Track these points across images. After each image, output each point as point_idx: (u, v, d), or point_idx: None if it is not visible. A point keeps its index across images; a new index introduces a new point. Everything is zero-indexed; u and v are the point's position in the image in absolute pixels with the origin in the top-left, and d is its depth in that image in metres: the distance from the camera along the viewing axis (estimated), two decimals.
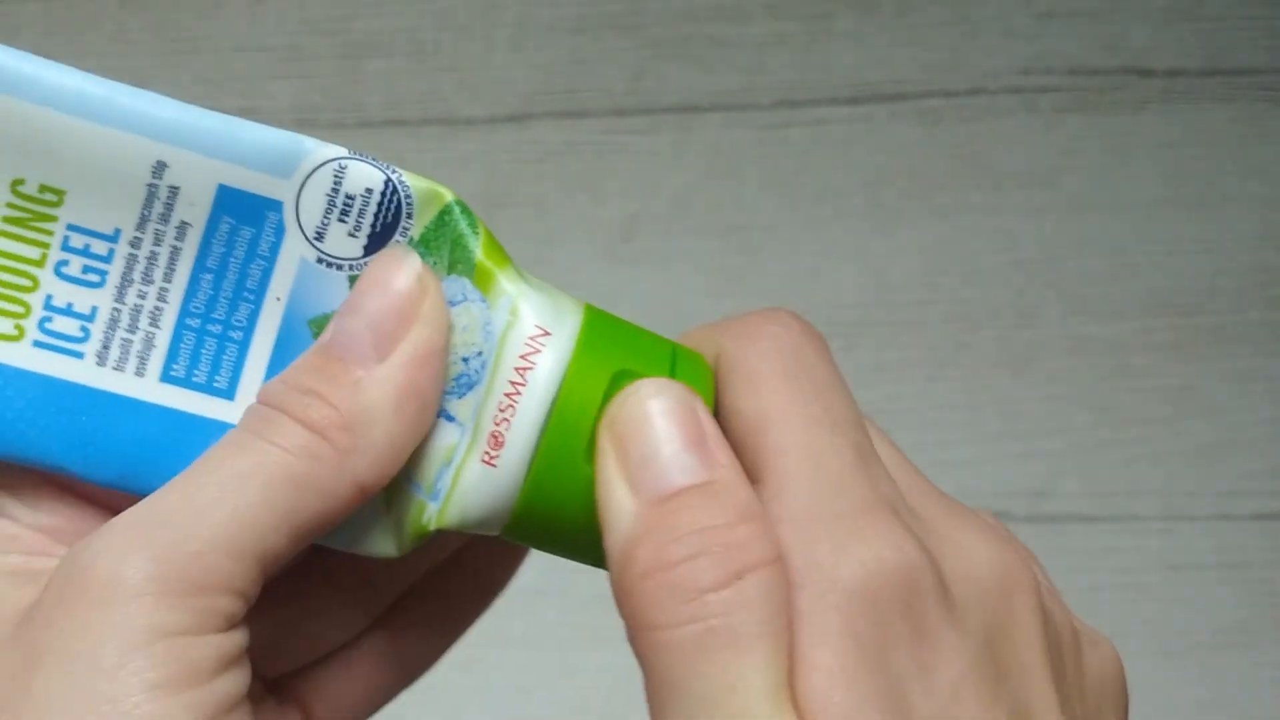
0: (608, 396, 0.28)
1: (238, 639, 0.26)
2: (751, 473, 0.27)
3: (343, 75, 0.74)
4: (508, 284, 0.29)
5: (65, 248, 0.28)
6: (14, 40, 0.74)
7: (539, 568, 0.61)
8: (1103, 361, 0.72)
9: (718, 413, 0.28)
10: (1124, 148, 0.74)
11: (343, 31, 0.75)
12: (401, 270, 0.28)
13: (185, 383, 0.29)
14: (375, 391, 0.27)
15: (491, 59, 0.75)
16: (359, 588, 0.33)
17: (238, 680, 0.26)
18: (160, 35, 0.75)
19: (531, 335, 0.28)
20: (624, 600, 0.26)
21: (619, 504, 0.26)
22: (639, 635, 0.25)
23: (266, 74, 0.74)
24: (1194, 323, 0.72)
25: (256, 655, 0.28)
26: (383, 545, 0.29)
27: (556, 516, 0.28)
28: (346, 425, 0.27)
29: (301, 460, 0.27)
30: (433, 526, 0.28)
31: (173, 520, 0.26)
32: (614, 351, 0.29)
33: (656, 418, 0.27)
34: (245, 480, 0.26)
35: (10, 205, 0.28)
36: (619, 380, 0.28)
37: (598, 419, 0.28)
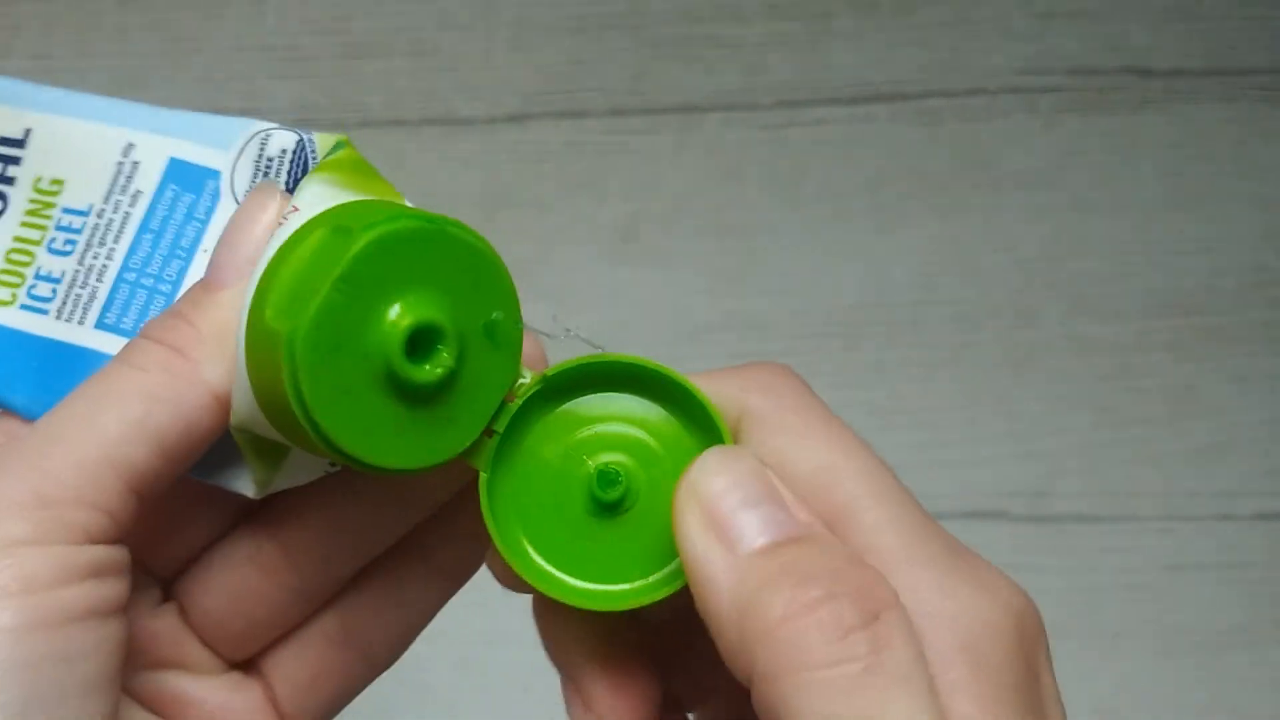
0: (316, 246, 0.28)
1: (97, 553, 0.27)
2: (827, 524, 0.28)
3: (343, 75, 0.74)
4: (311, 185, 0.30)
5: (58, 227, 0.33)
6: (14, 40, 0.74)
7: None
8: (1103, 361, 0.72)
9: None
10: (1124, 148, 0.74)
11: (343, 32, 0.75)
12: (261, 201, 0.30)
13: (114, 329, 0.32)
14: (230, 307, 0.29)
15: (492, 59, 0.75)
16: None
17: (91, 593, 0.27)
18: (160, 35, 0.75)
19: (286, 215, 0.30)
20: (756, 647, 0.26)
21: (718, 559, 0.27)
22: (782, 679, 0.26)
23: (267, 74, 0.75)
24: (1194, 323, 0.72)
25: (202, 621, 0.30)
26: (241, 481, 0.30)
27: (260, 382, 0.28)
28: (203, 340, 0.29)
29: (156, 374, 0.28)
30: (232, 423, 0.29)
31: (32, 441, 0.28)
32: (340, 216, 0.29)
33: (738, 475, 0.28)
34: (101, 399, 0.28)
35: (31, 200, 0.33)
36: (334, 233, 0.28)
37: (295, 267, 0.28)
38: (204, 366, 0.29)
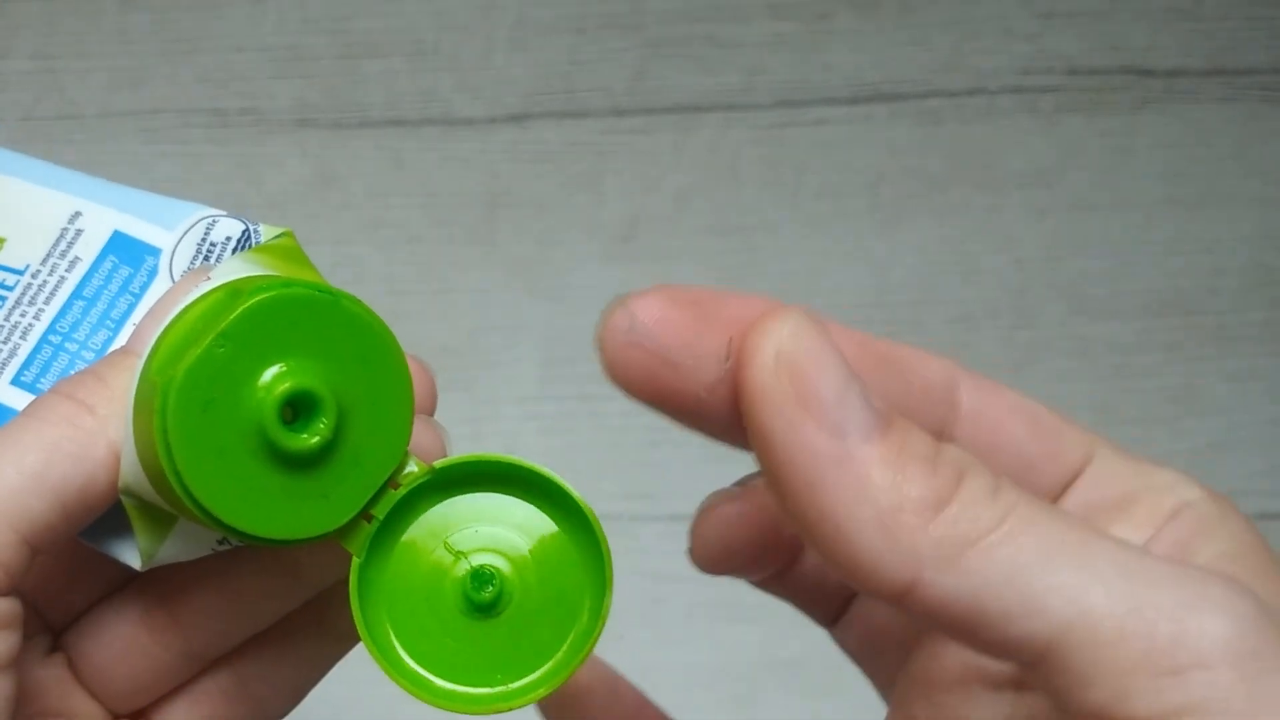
0: (207, 305, 0.28)
1: None
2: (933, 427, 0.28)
3: (343, 75, 0.75)
4: (232, 260, 0.30)
5: None
6: (14, 40, 0.74)
7: None
8: (1103, 361, 0.72)
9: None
10: (1125, 147, 0.74)
11: (343, 31, 0.75)
12: (193, 277, 0.30)
13: (29, 387, 0.31)
14: (139, 363, 0.29)
15: (491, 59, 0.75)
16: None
17: None
18: (160, 35, 0.75)
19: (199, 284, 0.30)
20: (921, 546, 0.25)
21: (831, 452, 0.25)
22: (964, 554, 0.24)
23: (267, 74, 0.75)
24: (1195, 323, 0.72)
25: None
26: (127, 551, 0.30)
27: (141, 437, 0.28)
28: (114, 398, 0.28)
29: (60, 427, 0.28)
30: (119, 485, 0.29)
31: None
32: (241, 282, 0.29)
33: (827, 351, 0.26)
34: (2, 452, 0.28)
35: None
36: (231, 292, 0.28)
37: (185, 324, 0.28)
38: (110, 424, 0.28)
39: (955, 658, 0.29)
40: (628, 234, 0.73)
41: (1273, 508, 0.70)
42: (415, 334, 0.73)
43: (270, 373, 0.27)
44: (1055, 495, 0.29)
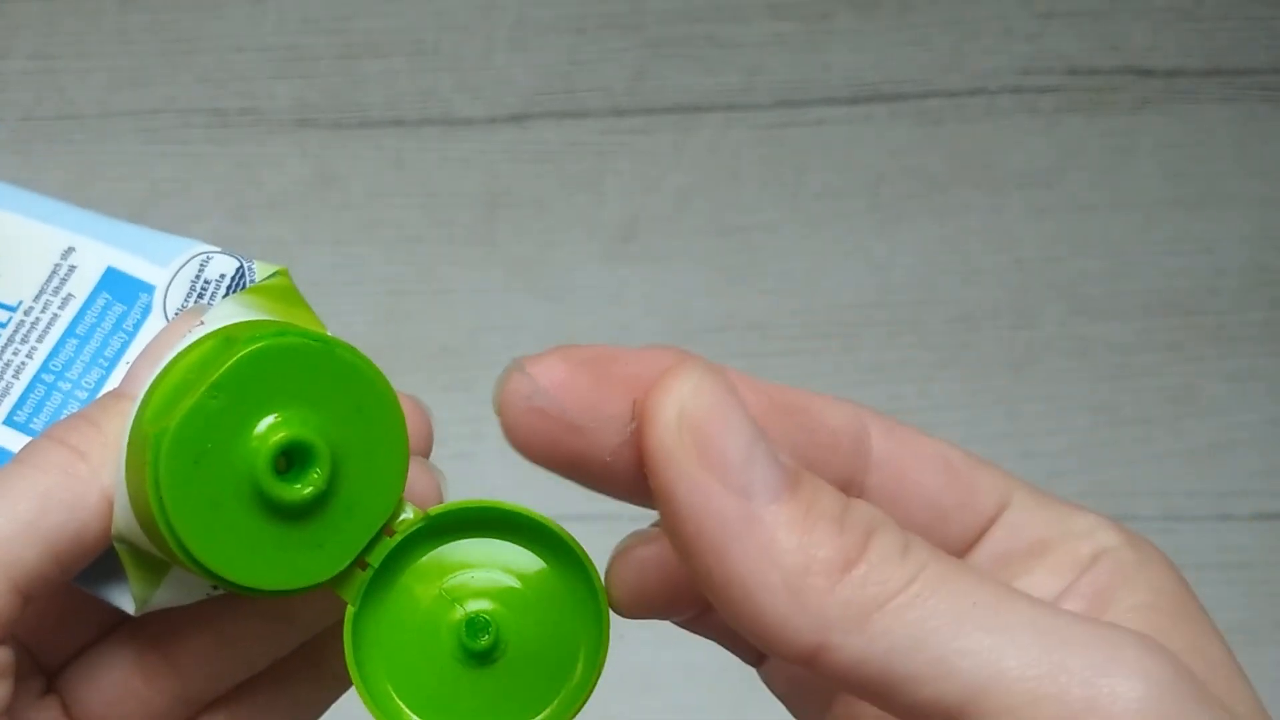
0: (201, 353, 0.28)
1: None
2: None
3: (343, 75, 0.75)
4: (225, 304, 0.30)
5: None
6: (14, 40, 0.74)
7: None
8: (1103, 361, 0.72)
9: None
10: (1124, 147, 0.74)
11: (343, 31, 0.75)
12: (189, 321, 0.29)
13: (22, 427, 0.31)
14: (132, 409, 0.28)
15: (491, 59, 0.75)
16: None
17: None
18: (161, 35, 0.75)
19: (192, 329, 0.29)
20: (829, 607, 0.24)
21: (737, 511, 0.25)
22: (872, 617, 0.24)
23: (267, 74, 0.75)
24: (1194, 322, 0.72)
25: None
26: (121, 596, 0.30)
27: (134, 487, 0.28)
28: (107, 445, 0.28)
29: (54, 475, 0.28)
30: (113, 532, 0.29)
31: None
32: (235, 329, 0.29)
33: (731, 408, 0.25)
34: None
35: None
36: (221, 343, 0.28)
37: (178, 373, 0.28)
38: (104, 471, 0.28)
39: (874, 710, 0.29)
40: (628, 234, 0.73)
41: (1271, 508, 0.70)
42: (415, 333, 0.73)
43: (264, 424, 0.27)
44: (970, 542, 0.29)
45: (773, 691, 0.33)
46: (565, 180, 0.74)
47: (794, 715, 0.33)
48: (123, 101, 0.74)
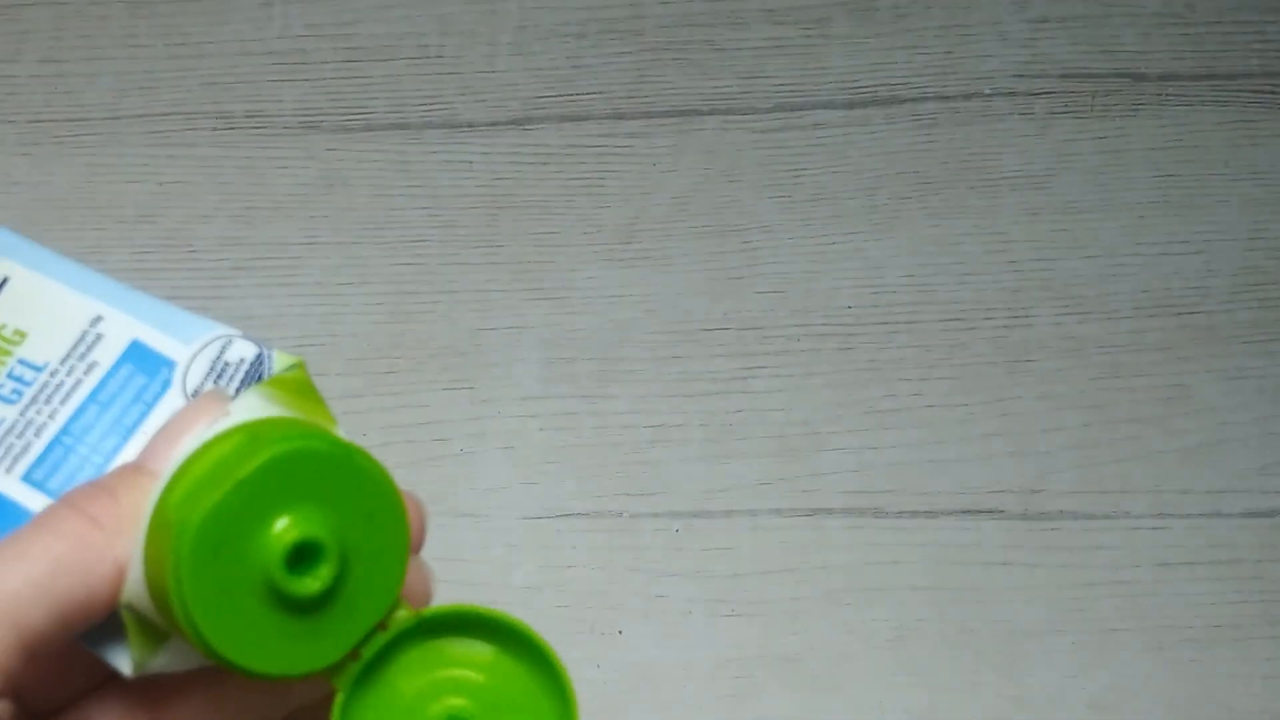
0: (228, 449, 0.29)
1: None
2: None
3: (347, 79, 0.75)
4: (249, 395, 0.32)
5: (10, 375, 0.33)
6: (23, 44, 0.74)
7: (535, 564, 0.62)
8: (1095, 361, 0.72)
9: None
10: (1117, 150, 0.75)
11: (347, 36, 0.76)
12: (210, 405, 0.31)
13: (40, 485, 0.32)
14: (156, 487, 0.30)
15: (494, 63, 0.75)
16: None
17: None
18: (168, 39, 0.75)
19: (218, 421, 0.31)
20: None
21: None
22: None
23: (272, 77, 0.75)
24: (1186, 322, 0.73)
25: None
26: (120, 657, 0.31)
27: (151, 565, 0.29)
28: (122, 516, 0.29)
29: (69, 542, 0.29)
30: (121, 599, 0.30)
31: None
32: (260, 426, 0.30)
33: None
34: (11, 559, 0.28)
35: None
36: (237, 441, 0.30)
37: (205, 465, 0.29)
38: (117, 541, 0.29)
39: None
40: (628, 235, 0.73)
41: (1263, 506, 0.70)
42: (419, 333, 0.74)
43: (281, 522, 0.29)
44: None
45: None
46: (567, 182, 0.74)
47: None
48: (130, 105, 0.74)
